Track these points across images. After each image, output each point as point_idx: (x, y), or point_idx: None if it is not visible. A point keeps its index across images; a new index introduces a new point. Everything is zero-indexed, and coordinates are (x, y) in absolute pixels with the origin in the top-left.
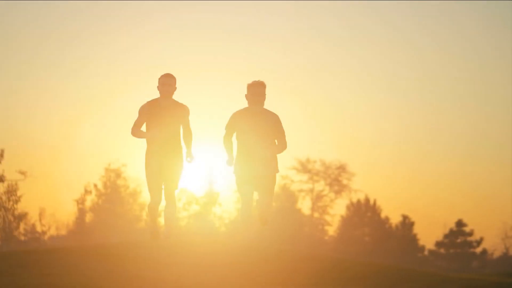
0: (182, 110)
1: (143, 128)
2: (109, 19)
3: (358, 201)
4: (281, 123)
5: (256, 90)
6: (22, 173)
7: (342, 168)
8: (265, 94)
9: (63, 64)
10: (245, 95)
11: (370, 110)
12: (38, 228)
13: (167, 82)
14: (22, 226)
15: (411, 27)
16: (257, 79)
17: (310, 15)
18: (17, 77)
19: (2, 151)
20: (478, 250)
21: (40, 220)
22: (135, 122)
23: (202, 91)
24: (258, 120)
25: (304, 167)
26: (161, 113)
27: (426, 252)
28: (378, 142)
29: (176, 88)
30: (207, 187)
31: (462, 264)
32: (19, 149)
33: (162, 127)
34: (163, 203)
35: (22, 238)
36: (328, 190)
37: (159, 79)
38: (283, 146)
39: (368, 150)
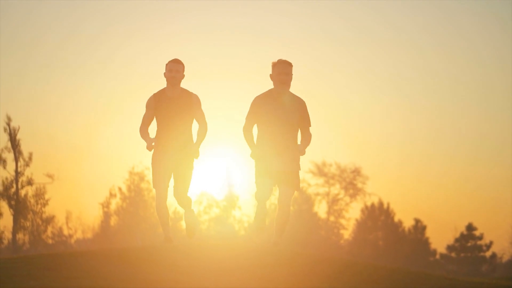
0: (191, 100)
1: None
2: (130, 20)
3: (372, 204)
4: (308, 111)
5: (283, 69)
6: (50, 176)
7: (356, 171)
8: (292, 75)
9: (86, 67)
10: (270, 75)
11: (383, 113)
12: (65, 232)
13: (174, 68)
14: (49, 230)
15: (422, 30)
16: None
17: (322, 17)
18: (43, 81)
19: (30, 154)
20: (488, 254)
21: (67, 223)
22: (143, 118)
23: (220, 94)
24: (283, 104)
25: (320, 171)
26: (168, 105)
27: (437, 256)
28: (391, 145)
29: (184, 75)
30: (226, 190)
31: (472, 268)
32: (46, 153)
33: (169, 120)
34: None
35: (50, 241)
36: (344, 193)
37: (166, 65)
38: (308, 139)
39: (381, 153)
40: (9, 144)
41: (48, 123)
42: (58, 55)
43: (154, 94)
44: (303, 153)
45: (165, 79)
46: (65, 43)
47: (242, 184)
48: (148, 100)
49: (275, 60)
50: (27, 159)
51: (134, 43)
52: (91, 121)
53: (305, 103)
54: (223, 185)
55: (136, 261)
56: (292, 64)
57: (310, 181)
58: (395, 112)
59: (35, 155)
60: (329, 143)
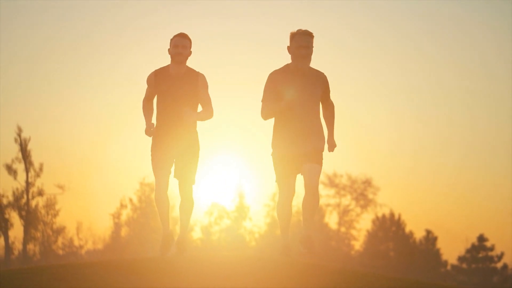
0: (197, 80)
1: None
2: (139, 28)
3: (383, 215)
4: (329, 83)
5: (303, 42)
6: (60, 187)
7: (367, 182)
8: (312, 48)
9: (96, 78)
10: (288, 47)
11: (394, 124)
12: (76, 242)
13: (180, 44)
14: (60, 240)
15: (432, 40)
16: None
17: (331, 27)
18: (54, 92)
19: (41, 165)
20: (499, 265)
21: (77, 234)
22: (145, 94)
23: (232, 104)
24: (304, 80)
25: (331, 182)
26: (171, 85)
27: (449, 267)
28: (402, 156)
29: (191, 52)
30: (237, 201)
31: (483, 279)
32: (57, 163)
33: (171, 101)
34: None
35: (60, 252)
36: (354, 204)
37: (170, 40)
38: (332, 112)
39: (392, 164)
40: (20, 155)
41: (59, 133)
42: (69, 66)
43: (155, 70)
44: (333, 146)
45: (169, 56)
46: (76, 54)
47: (253, 194)
48: (148, 77)
49: (294, 30)
50: (37, 169)
51: (143, 52)
52: (102, 132)
53: (326, 77)
54: (234, 196)
55: (146, 272)
56: (313, 35)
57: (321, 192)
58: (406, 122)
59: (46, 165)
60: (340, 154)
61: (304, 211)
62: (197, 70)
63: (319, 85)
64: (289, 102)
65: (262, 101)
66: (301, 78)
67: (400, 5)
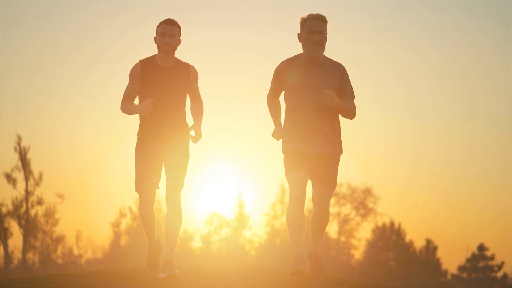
0: (187, 72)
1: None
2: (142, 34)
3: (383, 224)
4: (349, 78)
5: (315, 27)
6: (60, 196)
7: (367, 191)
8: (326, 34)
9: (96, 86)
10: (298, 35)
11: (394, 133)
12: (75, 251)
13: (167, 32)
14: (59, 249)
15: (435, 48)
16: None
17: (332, 34)
18: (54, 100)
19: (41, 174)
20: (499, 274)
21: (77, 243)
22: (124, 92)
23: (231, 111)
24: (317, 71)
25: None
26: (159, 78)
27: (449, 277)
28: (402, 166)
29: (180, 41)
30: (237, 210)
31: None
32: (56, 172)
33: (159, 96)
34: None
35: (60, 261)
36: (355, 213)
37: (157, 27)
38: (352, 111)
39: (393, 173)
40: (20, 164)
41: (59, 142)
42: (69, 74)
43: (140, 61)
44: (335, 101)
45: (155, 45)
46: (76, 62)
47: (253, 204)
48: (133, 68)
49: (305, 15)
50: (37, 178)
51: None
52: (102, 141)
53: (345, 69)
54: (233, 205)
55: (146, 282)
56: (327, 19)
57: None
58: (407, 132)
59: (45, 174)
60: (340, 163)
61: (313, 227)
62: (185, 62)
63: (335, 75)
64: (278, 133)
65: (271, 84)
66: (314, 68)
67: (399, 11)
